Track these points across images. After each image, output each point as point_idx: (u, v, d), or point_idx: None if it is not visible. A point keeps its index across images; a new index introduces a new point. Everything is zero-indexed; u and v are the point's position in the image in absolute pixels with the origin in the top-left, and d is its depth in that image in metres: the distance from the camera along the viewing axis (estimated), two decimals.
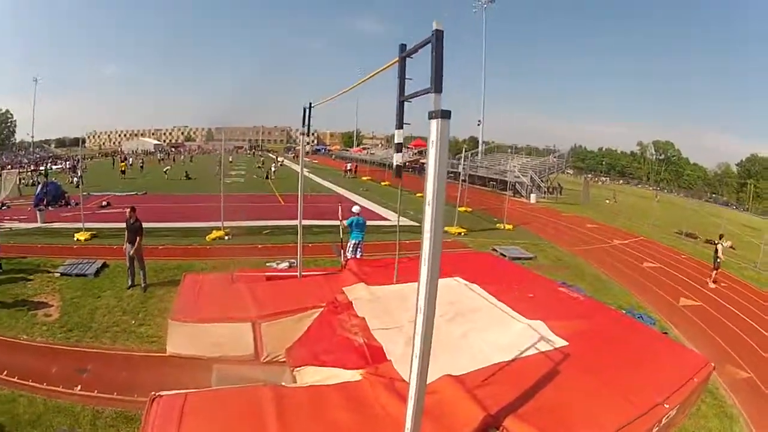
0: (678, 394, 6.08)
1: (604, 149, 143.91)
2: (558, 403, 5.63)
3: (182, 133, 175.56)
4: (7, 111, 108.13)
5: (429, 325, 3.96)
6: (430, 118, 3.55)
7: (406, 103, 4.36)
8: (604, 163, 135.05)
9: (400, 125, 4.46)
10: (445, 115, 3.49)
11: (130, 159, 64.15)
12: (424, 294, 3.80)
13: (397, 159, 4.61)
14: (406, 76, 4.39)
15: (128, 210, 13.46)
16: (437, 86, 3.61)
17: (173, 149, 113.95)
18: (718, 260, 18.23)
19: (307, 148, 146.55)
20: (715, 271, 18.42)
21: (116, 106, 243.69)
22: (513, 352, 6.93)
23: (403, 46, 4.41)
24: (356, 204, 16.16)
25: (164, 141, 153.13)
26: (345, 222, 14.52)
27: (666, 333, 11.87)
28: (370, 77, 5.50)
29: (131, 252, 12.80)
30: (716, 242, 19.04)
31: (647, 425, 5.41)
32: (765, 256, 23.94)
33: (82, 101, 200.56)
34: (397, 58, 4.46)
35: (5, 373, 8.62)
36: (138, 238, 12.92)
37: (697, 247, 27.84)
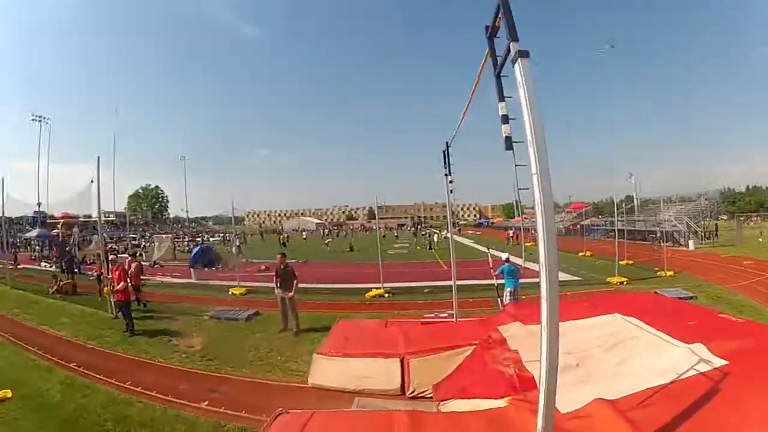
0: None
1: (750, 187, 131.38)
2: (726, 422, 4.85)
3: (343, 213, 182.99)
4: (157, 187, 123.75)
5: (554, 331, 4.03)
6: (513, 63, 3.77)
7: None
8: (752, 202, 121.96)
9: (501, 98, 4.70)
10: (524, 54, 3.69)
11: (287, 235, 68.73)
12: (546, 292, 3.85)
13: (505, 130, 4.68)
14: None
15: (279, 256, 14.16)
16: (512, 34, 3.86)
17: (335, 227, 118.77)
18: None
19: (470, 221, 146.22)
20: None
21: (273, 186, 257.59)
22: (671, 375, 6.12)
23: (487, 29, 4.69)
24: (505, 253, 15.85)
25: (325, 220, 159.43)
26: (496, 271, 14.41)
27: None
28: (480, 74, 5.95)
29: (283, 295, 13.17)
30: None
31: None
32: None
33: (238, 181, 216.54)
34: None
35: (128, 383, 9.40)
36: (293, 283, 13.24)
37: None
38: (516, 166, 4.35)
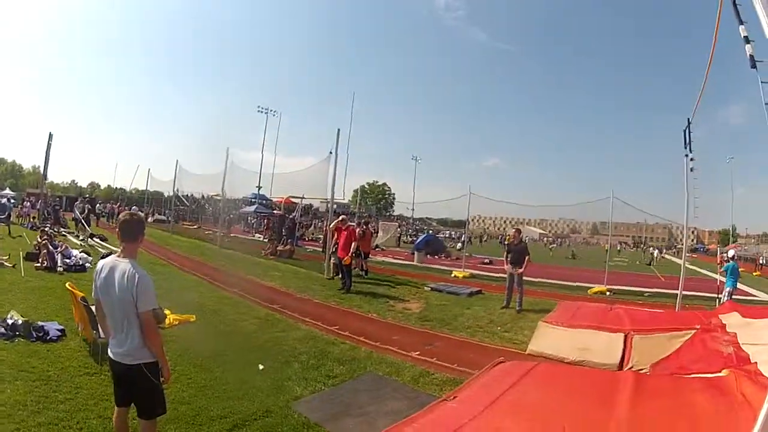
0: None
1: None
2: None
3: (568, 226, 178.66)
4: (384, 184, 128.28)
5: None
6: None
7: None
8: None
9: (740, 22, 5.37)
10: None
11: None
12: None
13: (748, 50, 5.02)
14: None
15: (513, 232, 14.20)
16: None
17: (558, 238, 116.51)
18: None
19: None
20: None
21: (500, 195, 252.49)
22: None
23: None
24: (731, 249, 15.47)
25: (549, 231, 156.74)
26: (722, 268, 15.30)
27: None
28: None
29: (513, 271, 12.90)
30: None
31: None
32: None
33: (466, 186, 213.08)
34: None
35: (335, 327, 9.77)
36: (524, 260, 13.00)
37: None
38: (761, 83, 4.43)
